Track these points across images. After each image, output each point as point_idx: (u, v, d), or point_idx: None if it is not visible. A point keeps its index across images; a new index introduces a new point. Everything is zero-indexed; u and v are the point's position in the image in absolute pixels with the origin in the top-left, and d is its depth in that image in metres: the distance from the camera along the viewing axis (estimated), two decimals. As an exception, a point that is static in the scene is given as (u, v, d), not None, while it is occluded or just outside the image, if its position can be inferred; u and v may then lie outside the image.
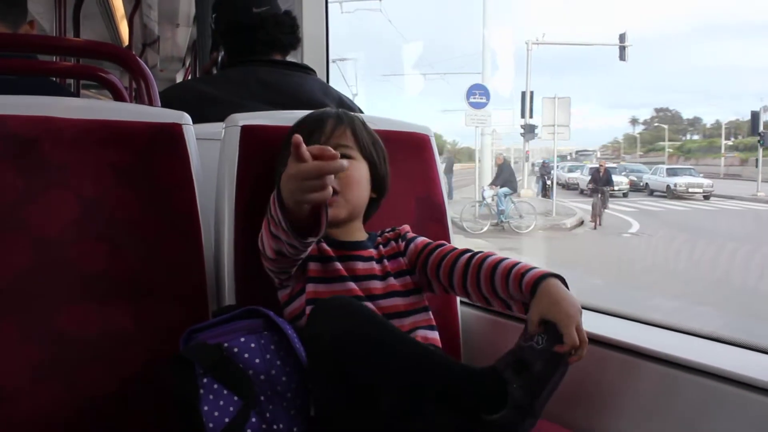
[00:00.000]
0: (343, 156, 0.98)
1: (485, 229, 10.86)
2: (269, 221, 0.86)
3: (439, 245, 1.04)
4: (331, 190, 0.78)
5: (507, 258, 0.96)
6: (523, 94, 15.51)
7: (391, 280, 1.01)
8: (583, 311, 1.19)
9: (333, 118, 1.02)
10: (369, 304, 0.96)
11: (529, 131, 15.56)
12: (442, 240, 1.20)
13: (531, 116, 15.46)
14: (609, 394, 0.97)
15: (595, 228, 10.85)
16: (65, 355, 0.93)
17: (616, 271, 8.33)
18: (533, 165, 17.32)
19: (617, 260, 9.20)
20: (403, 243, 1.06)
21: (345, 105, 1.56)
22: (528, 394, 0.80)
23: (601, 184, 11.09)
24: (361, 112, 1.56)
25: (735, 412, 0.83)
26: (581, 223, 11.52)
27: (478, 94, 12.82)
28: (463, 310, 1.19)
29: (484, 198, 11.43)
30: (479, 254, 0.98)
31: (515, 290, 0.90)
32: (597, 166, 12.27)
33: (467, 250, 1.00)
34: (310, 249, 0.91)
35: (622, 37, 16.89)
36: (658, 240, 10.42)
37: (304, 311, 0.96)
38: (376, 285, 0.99)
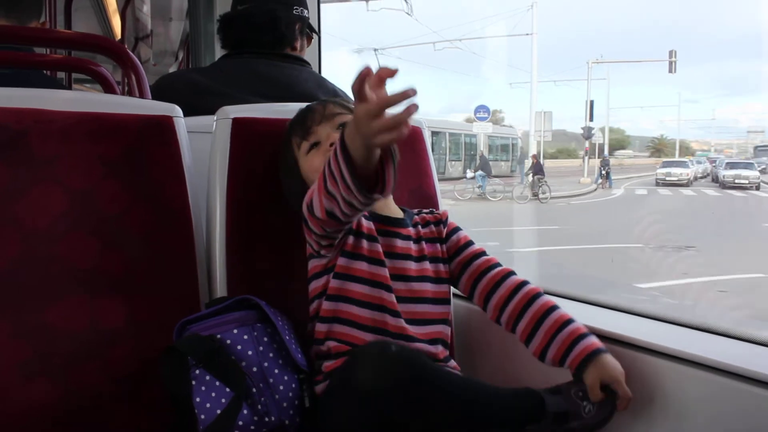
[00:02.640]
0: (345, 123, 0.98)
1: (468, 197, 16.22)
2: (326, 178, 0.81)
3: (482, 253, 1.03)
4: (403, 128, 0.71)
5: (557, 306, 0.97)
6: (586, 103, 22.50)
7: (426, 264, 1.00)
8: (578, 303, 1.18)
9: (319, 103, 1.04)
10: (402, 285, 0.96)
11: (587, 132, 22.80)
12: None
13: (591, 119, 22.89)
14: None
15: (541, 201, 15.86)
16: (56, 350, 0.92)
17: (490, 218, 12.51)
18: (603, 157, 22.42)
19: (509, 215, 13.92)
20: (445, 230, 1.04)
21: (338, 97, 1.55)
22: None
23: (534, 171, 16.10)
24: None
25: (733, 404, 0.84)
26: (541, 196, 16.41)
27: (482, 111, 20.30)
28: (455, 303, 1.19)
29: (466, 177, 17.30)
30: (526, 288, 0.98)
31: (561, 349, 0.92)
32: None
33: (511, 273, 1.00)
34: (363, 212, 0.89)
35: (671, 53, 20.96)
36: (565, 208, 15.01)
37: (326, 290, 0.95)
38: (411, 266, 0.99)
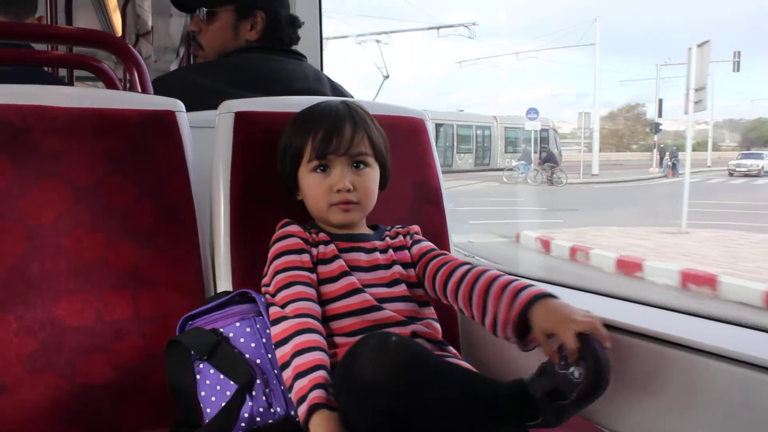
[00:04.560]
0: (361, 164, 0.99)
1: (514, 181, 19.26)
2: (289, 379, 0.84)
3: (441, 253, 1.03)
4: None
5: (503, 274, 0.94)
6: (655, 102, 27.07)
7: (397, 268, 1.01)
8: (588, 293, 1.17)
9: (349, 122, 0.98)
10: (379, 289, 0.97)
11: (655, 128, 27.32)
12: (437, 223, 1.19)
13: (660, 116, 26.95)
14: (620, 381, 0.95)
15: (555, 184, 18.59)
16: (62, 343, 0.93)
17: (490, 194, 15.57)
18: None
19: (513, 193, 16.23)
20: (410, 240, 1.06)
21: (337, 91, 1.56)
22: (559, 416, 0.81)
23: (545, 160, 19.30)
24: (352, 97, 1.56)
25: (733, 389, 0.83)
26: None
27: (532, 113, 22.79)
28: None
29: (512, 166, 20.89)
30: (476, 268, 0.96)
31: (506, 306, 0.88)
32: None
33: (466, 263, 0.99)
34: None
35: (735, 54, 22.78)
36: (574, 190, 17.63)
37: None
38: (382, 273, 1.00)
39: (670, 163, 22.57)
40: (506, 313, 0.88)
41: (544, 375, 0.82)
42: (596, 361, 0.80)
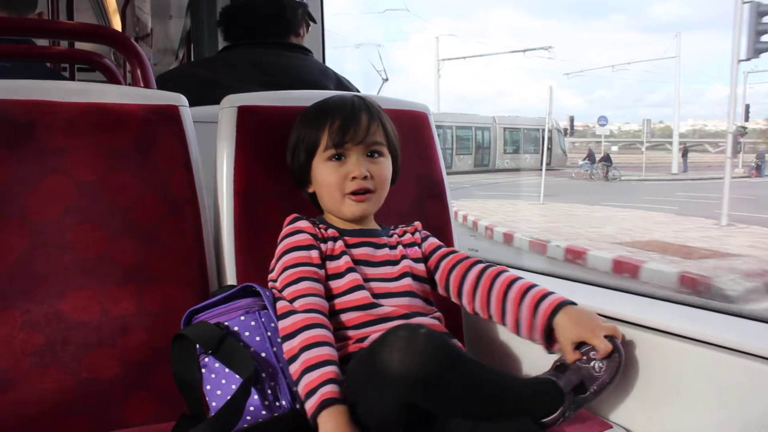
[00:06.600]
0: (376, 153, 0.99)
1: (580, 178, 21.48)
2: (297, 374, 0.84)
3: (452, 251, 1.04)
4: None
5: (519, 278, 0.97)
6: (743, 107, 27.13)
7: (406, 262, 1.01)
8: (587, 286, 1.18)
9: (365, 111, 0.99)
10: (385, 284, 0.97)
11: (742, 131, 26.25)
12: (441, 217, 1.19)
13: (747, 120, 25.72)
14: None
15: (609, 179, 20.95)
16: (68, 339, 0.93)
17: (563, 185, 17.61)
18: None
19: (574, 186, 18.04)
20: (420, 236, 1.07)
21: (343, 84, 1.56)
22: (577, 408, 0.87)
23: (602, 160, 21.65)
24: (358, 91, 1.55)
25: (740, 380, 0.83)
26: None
27: (603, 119, 26.12)
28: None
29: (579, 165, 23.74)
30: (490, 269, 0.99)
31: (529, 312, 0.92)
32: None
33: (479, 261, 1.01)
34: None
35: None
36: (618, 184, 19.74)
37: None
38: (390, 269, 1.00)
39: (753, 164, 22.46)
40: (529, 320, 0.93)
41: (570, 370, 0.88)
42: (620, 356, 0.88)
